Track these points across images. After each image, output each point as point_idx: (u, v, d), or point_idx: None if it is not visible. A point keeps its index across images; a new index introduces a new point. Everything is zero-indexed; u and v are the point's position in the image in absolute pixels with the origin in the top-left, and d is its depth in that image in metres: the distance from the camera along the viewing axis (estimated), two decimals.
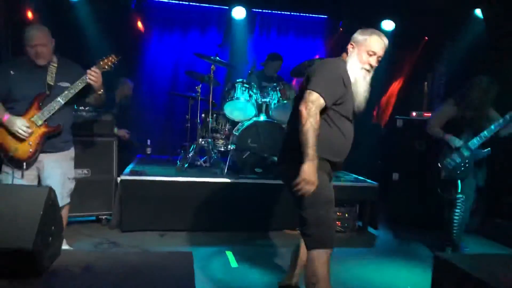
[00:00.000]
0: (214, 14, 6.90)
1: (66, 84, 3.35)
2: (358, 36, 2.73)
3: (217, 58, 5.35)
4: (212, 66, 5.34)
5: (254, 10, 6.71)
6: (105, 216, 4.89)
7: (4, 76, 3.28)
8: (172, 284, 2.16)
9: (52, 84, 3.33)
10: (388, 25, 6.80)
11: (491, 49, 5.47)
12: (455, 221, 4.28)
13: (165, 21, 6.78)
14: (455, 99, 4.32)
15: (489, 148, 4.22)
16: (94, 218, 4.92)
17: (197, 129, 5.69)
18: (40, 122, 3.25)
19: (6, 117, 3.20)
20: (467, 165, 4.21)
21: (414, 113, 5.98)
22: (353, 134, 2.81)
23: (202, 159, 5.50)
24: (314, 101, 2.48)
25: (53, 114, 3.29)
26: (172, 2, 6.69)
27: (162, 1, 6.68)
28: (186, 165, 5.23)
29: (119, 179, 4.74)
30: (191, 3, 6.68)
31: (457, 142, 4.22)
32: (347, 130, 2.74)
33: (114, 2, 6.28)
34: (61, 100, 3.28)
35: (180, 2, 6.67)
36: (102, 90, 3.38)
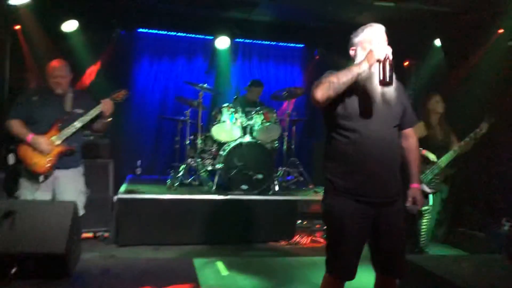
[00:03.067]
0: (199, 44, 7.37)
1: (80, 111, 3.89)
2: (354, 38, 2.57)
3: (206, 85, 5.82)
4: (201, 93, 5.80)
5: (236, 40, 7.21)
6: (101, 233, 5.23)
7: (28, 101, 3.81)
8: (181, 283, 2.56)
9: (69, 111, 3.87)
10: None
11: (449, 74, 6.09)
12: (423, 229, 4.74)
13: (155, 49, 7.21)
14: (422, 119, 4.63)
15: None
16: (91, 234, 5.26)
17: (186, 150, 6.12)
18: (58, 142, 3.75)
19: (30, 136, 3.69)
20: (437, 180, 4.68)
21: None
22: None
23: (192, 178, 5.91)
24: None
25: (69, 136, 3.80)
26: (161, 33, 7.15)
27: (151, 32, 7.12)
28: (177, 184, 5.62)
29: (115, 197, 5.13)
30: (178, 34, 7.17)
31: (431, 156, 4.54)
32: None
33: (105, 32, 6.68)
34: (78, 124, 3.81)
35: (168, 33, 7.15)
36: (111, 118, 3.93)
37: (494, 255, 3.57)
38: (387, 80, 2.33)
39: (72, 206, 2.61)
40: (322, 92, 2.32)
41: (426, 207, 4.69)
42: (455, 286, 2.82)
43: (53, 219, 2.54)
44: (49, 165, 3.69)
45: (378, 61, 2.36)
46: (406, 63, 7.21)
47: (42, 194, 3.68)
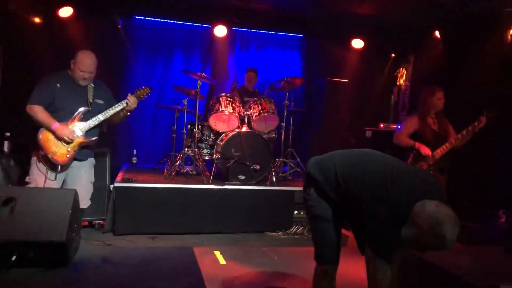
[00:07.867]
0: (197, 32, 7.28)
1: (101, 102, 3.92)
2: None
3: (203, 74, 5.77)
4: (199, 82, 5.75)
5: (234, 28, 7.15)
6: (98, 221, 5.21)
7: (51, 87, 3.76)
8: (181, 271, 2.55)
9: (91, 101, 3.87)
10: (358, 43, 7.36)
11: (448, 66, 6.09)
12: None
13: (152, 37, 7.09)
14: (416, 112, 4.73)
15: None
16: (86, 222, 5.22)
17: (183, 140, 6.08)
18: (80, 134, 3.75)
19: (56, 124, 3.66)
20: (431, 172, 4.68)
21: (382, 125, 6.54)
22: None
23: (188, 167, 5.89)
24: None
25: (91, 128, 3.81)
26: (158, 21, 7.06)
27: (148, 20, 7.02)
28: (174, 173, 5.59)
29: (112, 186, 5.10)
30: (175, 22, 7.08)
31: (427, 149, 4.53)
32: None
33: (102, 20, 6.58)
34: (101, 117, 3.83)
35: (166, 21, 7.06)
36: (129, 113, 4.01)
37: (491, 247, 3.58)
38: None
39: (72, 194, 2.58)
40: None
41: None
42: (455, 276, 2.84)
43: (54, 207, 2.51)
44: (68, 155, 3.68)
45: None
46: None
47: (54, 183, 3.64)
